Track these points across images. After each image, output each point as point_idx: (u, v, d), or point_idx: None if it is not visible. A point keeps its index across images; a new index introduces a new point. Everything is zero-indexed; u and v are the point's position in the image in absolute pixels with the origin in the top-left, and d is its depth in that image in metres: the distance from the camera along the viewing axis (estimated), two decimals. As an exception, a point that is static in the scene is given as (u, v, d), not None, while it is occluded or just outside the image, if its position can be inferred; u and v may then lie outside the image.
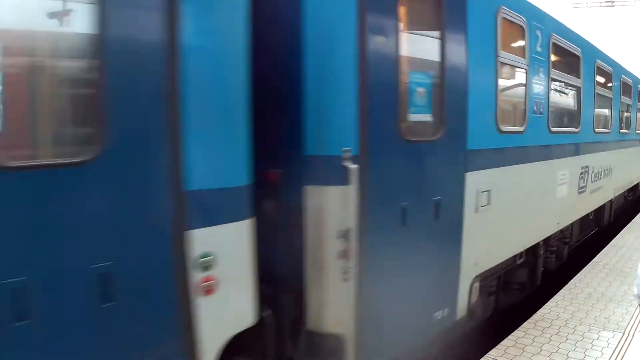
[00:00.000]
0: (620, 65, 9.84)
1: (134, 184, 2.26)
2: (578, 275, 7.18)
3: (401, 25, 3.62)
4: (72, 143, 2.24)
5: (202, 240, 2.51)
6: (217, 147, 2.58)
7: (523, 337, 5.14)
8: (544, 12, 5.93)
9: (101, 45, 2.10)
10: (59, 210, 2.06)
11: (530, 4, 5.57)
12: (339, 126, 3.24)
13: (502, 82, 5.00)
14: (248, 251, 2.80)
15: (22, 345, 1.97)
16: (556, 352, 4.82)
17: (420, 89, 3.87)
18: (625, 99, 10.46)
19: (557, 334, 5.24)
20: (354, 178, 3.20)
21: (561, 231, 7.42)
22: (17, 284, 1.93)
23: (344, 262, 3.32)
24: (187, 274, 2.48)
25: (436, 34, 3.96)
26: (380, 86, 3.43)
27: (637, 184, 13.56)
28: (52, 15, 2.14)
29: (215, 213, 2.59)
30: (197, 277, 2.52)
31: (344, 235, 3.28)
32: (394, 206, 3.65)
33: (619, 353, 4.90)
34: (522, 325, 5.37)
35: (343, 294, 3.37)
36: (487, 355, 4.67)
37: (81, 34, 2.17)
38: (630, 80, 10.89)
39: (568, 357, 4.76)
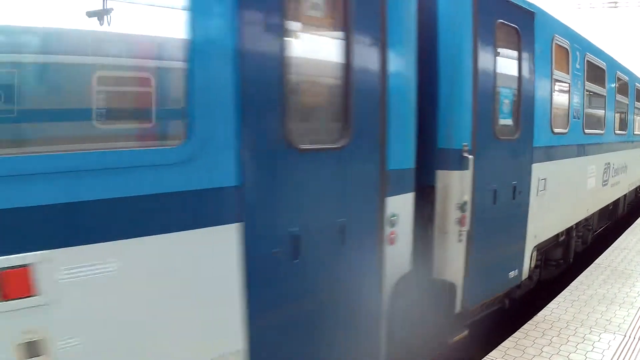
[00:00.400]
0: (634, 74, 11.20)
1: (363, 166, 3.53)
2: (580, 277, 7.25)
3: (496, 50, 4.92)
4: (336, 135, 3.45)
5: (392, 205, 3.78)
6: (401, 140, 3.86)
7: (524, 338, 5.12)
8: (581, 36, 7.27)
9: (348, 72, 3.36)
10: (323, 181, 3.31)
11: (572, 30, 6.90)
12: (460, 128, 4.52)
13: (555, 94, 6.32)
14: (412, 215, 4.08)
15: (296, 276, 3.17)
16: (557, 354, 4.81)
17: (506, 100, 5.17)
18: (638, 104, 11.84)
19: (557, 336, 5.23)
20: (470, 165, 4.49)
21: (586, 219, 8.72)
22: (294, 233, 3.12)
23: (459, 228, 4.60)
24: (383, 228, 3.74)
25: (515, 55, 5.28)
26: (484, 99, 4.73)
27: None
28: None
29: (399, 186, 3.86)
30: (387, 230, 3.79)
31: (461, 207, 4.56)
32: (489, 188, 4.94)
33: (620, 355, 4.90)
34: (522, 327, 5.37)
35: (457, 253, 4.65)
36: (488, 356, 4.67)
37: (337, 64, 3.39)
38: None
39: (569, 359, 4.76)
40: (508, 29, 5.05)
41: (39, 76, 2.42)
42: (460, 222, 4.58)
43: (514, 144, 5.34)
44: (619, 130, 10.18)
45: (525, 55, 5.36)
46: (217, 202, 2.37)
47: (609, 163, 9.28)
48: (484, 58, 4.68)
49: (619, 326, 5.55)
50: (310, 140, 3.11)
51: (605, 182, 9.21)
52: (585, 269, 7.70)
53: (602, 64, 8.45)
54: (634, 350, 5.02)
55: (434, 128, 4.44)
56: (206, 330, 2.43)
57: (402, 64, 3.78)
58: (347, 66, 3.23)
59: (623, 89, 10.28)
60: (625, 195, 11.78)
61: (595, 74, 8.25)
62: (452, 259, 4.63)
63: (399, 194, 3.85)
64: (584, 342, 5.14)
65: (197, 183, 2.28)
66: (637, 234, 10.33)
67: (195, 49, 2.33)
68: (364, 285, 3.54)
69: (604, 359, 4.78)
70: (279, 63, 2.72)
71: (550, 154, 6.25)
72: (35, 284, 1.87)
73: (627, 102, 10.69)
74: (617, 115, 9.97)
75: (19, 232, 1.89)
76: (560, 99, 6.66)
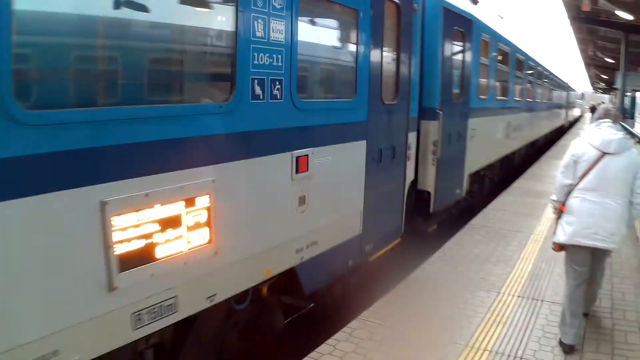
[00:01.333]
0: (529, 55, 14.94)
1: (401, 114, 6.12)
2: (454, 237, 7.58)
3: (452, 46, 7.96)
4: (393, 97, 6.19)
5: (409, 137, 6.62)
6: (413, 101, 6.71)
7: (397, 298, 5.26)
8: (495, 31, 10.58)
9: (398, 68, 6.17)
10: (389, 120, 6.06)
11: (491, 28, 10.16)
12: (434, 95, 7.51)
13: (480, 72, 9.57)
14: (415, 145, 7.00)
15: (379, 170, 5.72)
16: (430, 311, 4.95)
17: (456, 77, 8.27)
18: (530, 77, 15.68)
19: (431, 295, 5.38)
20: (440, 118, 7.51)
21: (491, 166, 12.21)
22: (379, 147, 5.83)
23: (433, 156, 7.64)
24: (406, 150, 6.58)
25: (461, 48, 8.36)
26: (446, 77, 7.75)
27: (536, 140, 19.17)
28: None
29: (412, 126, 6.70)
30: (408, 152, 6.66)
31: (434, 143, 7.59)
32: (448, 133, 8.01)
33: (494, 311, 5.05)
34: (396, 287, 5.51)
35: (432, 172, 7.69)
36: (359, 317, 4.77)
37: (391, 63, 6.18)
38: (534, 64, 16.14)
39: (442, 316, 4.87)
40: (458, 32, 8.11)
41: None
42: (434, 152, 7.61)
43: (460, 105, 8.49)
44: (518, 97, 13.87)
45: (467, 47, 8.48)
46: (358, 128, 5.10)
47: (510, 122, 12.88)
48: (446, 51, 7.71)
49: (493, 284, 5.77)
50: (385, 98, 5.74)
51: (508, 136, 12.82)
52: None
53: (507, 49, 11.90)
54: (507, 306, 5.20)
55: (421, 95, 7.40)
56: (349, 194, 5.14)
57: (415, 62, 6.65)
58: (397, 64, 5.98)
59: (521, 66, 13.94)
60: (520, 149, 15.66)
61: (503, 56, 11.67)
62: (428, 176, 7.67)
63: (412, 132, 6.75)
64: (457, 299, 5.28)
65: (356, 118, 5.00)
66: (513, 195, 11.19)
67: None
68: (399, 181, 6.39)
69: (478, 315, 4.92)
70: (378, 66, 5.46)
71: (477, 113, 9.50)
72: (308, 165, 4.46)
73: (523, 77, 14.44)
74: (517, 86, 13.64)
75: (305, 139, 4.35)
76: (483, 75, 9.93)
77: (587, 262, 4.53)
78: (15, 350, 2.25)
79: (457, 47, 8.15)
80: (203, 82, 3.36)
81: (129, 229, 2.65)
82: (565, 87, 31.78)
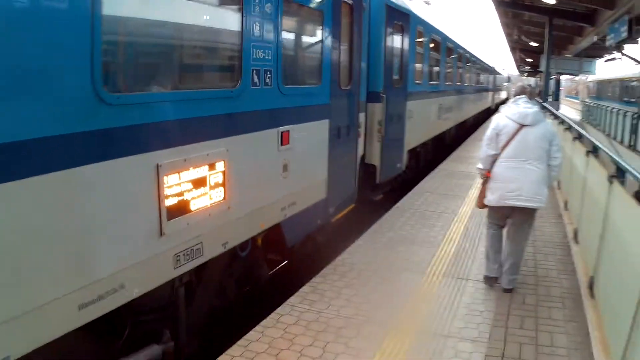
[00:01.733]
0: (457, 43, 16.39)
1: (354, 97, 7.25)
2: (380, 220, 7.71)
3: (393, 37, 9.04)
4: (348, 82, 7.19)
5: (360, 117, 7.66)
6: (362, 86, 7.77)
7: (322, 282, 5.24)
8: (429, 23, 11.80)
9: (351, 59, 7.17)
10: (346, 102, 7.09)
11: (425, 20, 11.36)
12: (378, 81, 8.58)
13: (416, 60, 10.76)
14: (364, 124, 8.03)
15: (339, 144, 6.87)
16: (355, 294, 4.99)
17: (397, 65, 9.39)
18: (459, 63, 17.18)
19: (356, 278, 5.41)
20: (383, 101, 8.60)
21: (425, 144, 13.54)
22: (339, 125, 6.88)
23: (379, 134, 8.73)
24: (357, 129, 7.65)
25: (401, 39, 9.47)
26: (388, 64, 8.85)
27: (465, 120, 20.86)
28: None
29: (361, 108, 7.77)
30: (359, 130, 7.72)
31: (379, 122, 8.68)
32: (390, 114, 9.13)
33: (419, 292, 5.13)
34: (321, 271, 5.55)
35: (377, 148, 8.79)
36: (286, 302, 4.78)
37: (347, 56, 7.17)
38: (462, 51, 17.65)
39: (367, 298, 4.91)
40: (398, 25, 9.22)
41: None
42: (379, 131, 8.71)
43: (400, 89, 9.64)
44: (448, 82, 15.29)
45: (405, 38, 9.62)
46: (323, 109, 6.05)
47: (441, 104, 14.26)
48: (388, 43, 8.80)
49: (418, 264, 5.85)
50: (342, 84, 6.66)
51: (440, 117, 14.20)
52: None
53: (439, 38, 13.20)
54: (432, 286, 5.28)
55: (368, 81, 8.45)
56: (317, 165, 6.09)
57: (364, 53, 7.64)
58: (351, 55, 6.94)
59: (450, 53, 15.35)
60: (450, 130, 17.18)
61: (435, 45, 12.96)
62: (375, 151, 8.76)
63: (361, 112, 7.79)
64: (383, 281, 5.34)
65: (322, 101, 5.95)
66: (439, 177, 11.47)
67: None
68: (353, 154, 7.40)
69: (404, 296, 5.01)
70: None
71: (414, 96, 10.71)
72: (290, 139, 5.32)
73: (453, 63, 15.88)
74: (447, 72, 15.05)
75: (287, 117, 5.23)
76: (418, 62, 11.15)
77: (504, 216, 5.24)
78: (94, 285, 2.99)
79: (397, 38, 9.27)
80: (221, 72, 4.20)
81: (173, 187, 3.49)
82: (491, 70, 34.09)
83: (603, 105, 28.16)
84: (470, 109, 22.38)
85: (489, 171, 5.13)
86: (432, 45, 12.42)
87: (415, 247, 6.50)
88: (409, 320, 4.55)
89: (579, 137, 8.32)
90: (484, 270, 5.49)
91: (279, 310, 4.61)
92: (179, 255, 3.65)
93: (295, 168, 5.22)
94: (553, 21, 20.67)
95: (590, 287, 4.91)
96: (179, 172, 3.53)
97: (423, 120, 12.01)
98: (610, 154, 5.48)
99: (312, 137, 5.67)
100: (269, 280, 5.64)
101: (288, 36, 4.92)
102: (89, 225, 2.91)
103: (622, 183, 4.46)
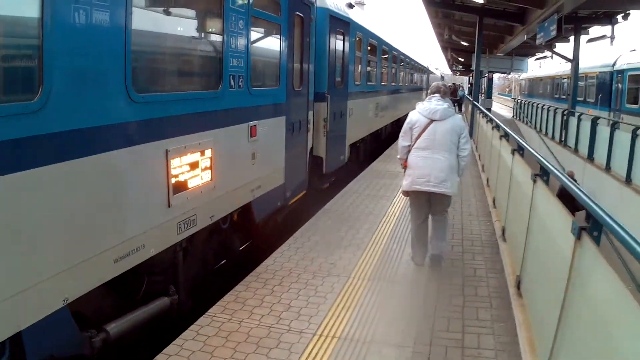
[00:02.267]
0: (392, 45, 17.88)
1: (304, 97, 8.47)
2: (306, 224, 7.54)
3: (336, 44, 10.24)
4: (300, 84, 8.32)
5: (309, 114, 8.81)
6: (311, 86, 8.90)
7: (244, 290, 5.12)
8: (366, 28, 13.12)
9: (302, 62, 8.30)
10: (299, 101, 8.22)
11: (364, 27, 12.65)
12: (323, 82, 9.76)
13: (356, 64, 12.03)
14: (312, 121, 9.19)
15: (292, 137, 7.98)
16: (278, 302, 4.88)
17: (339, 67, 10.61)
18: (393, 65, 18.69)
19: (279, 285, 5.29)
20: (328, 100, 9.79)
21: (364, 139, 14.87)
22: (293, 121, 8.00)
23: (324, 129, 9.91)
24: (307, 124, 8.78)
25: (342, 45, 10.69)
26: (332, 68, 10.05)
27: (400, 118, 22.47)
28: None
29: (310, 106, 8.92)
30: (308, 126, 8.85)
31: (325, 120, 9.86)
32: (333, 112, 10.33)
33: (344, 296, 5.05)
34: (244, 279, 5.44)
35: (323, 142, 9.97)
36: (206, 313, 4.68)
37: (299, 61, 8.29)
38: (397, 53, 19.18)
39: (290, 306, 4.80)
40: (340, 32, 10.44)
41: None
42: (324, 127, 9.89)
43: (342, 90, 10.87)
44: (384, 82, 16.73)
45: (345, 44, 10.86)
46: (281, 107, 7.12)
47: (378, 103, 15.66)
48: (332, 48, 10.00)
49: (344, 268, 5.78)
50: (295, 86, 7.82)
51: (376, 115, 15.60)
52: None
53: (375, 42, 14.57)
54: (358, 290, 5.21)
55: (315, 82, 9.59)
56: (277, 155, 7.18)
57: (312, 58, 8.78)
58: (301, 60, 8.06)
59: (386, 55, 16.80)
60: (386, 126, 18.66)
61: (372, 48, 14.32)
62: (321, 145, 9.93)
63: (310, 110, 8.93)
64: (307, 287, 5.23)
65: (280, 100, 7.02)
66: (367, 178, 11.54)
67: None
68: (304, 147, 8.53)
69: (327, 302, 4.91)
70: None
71: (354, 96, 11.99)
72: (257, 132, 6.35)
73: (388, 64, 17.35)
74: (383, 73, 16.48)
75: (255, 114, 6.25)
76: (357, 65, 12.43)
77: (423, 205, 5.81)
78: (124, 243, 3.91)
79: (339, 44, 10.50)
80: (209, 77, 5.21)
81: (177, 168, 4.49)
82: (425, 70, 36.21)
83: (535, 103, 28.98)
84: (405, 107, 24.05)
85: (406, 160, 5.75)
86: (369, 49, 13.79)
87: (341, 250, 6.41)
88: (332, 326, 4.48)
89: (506, 135, 8.47)
90: (411, 255, 6.08)
91: (198, 321, 4.51)
92: (181, 224, 4.66)
93: (261, 157, 6.30)
94: (484, 20, 20.68)
95: (518, 286, 4.90)
96: (180, 157, 4.53)
97: (362, 118, 13.34)
98: (535, 153, 5.49)
99: (272, 131, 6.76)
100: (238, 256, 6.68)
101: (254, 46, 5.98)
102: (121, 196, 3.89)
103: (546, 182, 4.49)
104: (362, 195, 9.77)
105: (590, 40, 22.87)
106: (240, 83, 5.56)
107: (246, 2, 5.57)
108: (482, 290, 5.34)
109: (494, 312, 4.84)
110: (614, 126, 13.47)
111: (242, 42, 5.54)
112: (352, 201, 9.21)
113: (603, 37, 21.66)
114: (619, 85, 20.05)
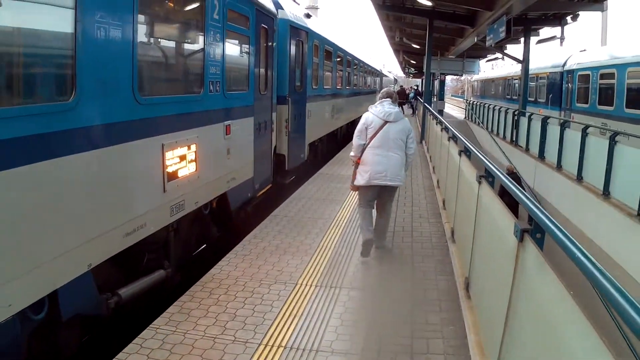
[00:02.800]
0: (346, 51, 19.05)
1: (269, 100, 9.43)
2: (254, 230, 7.45)
3: (297, 52, 11.25)
4: (265, 89, 9.27)
5: (272, 115, 9.78)
6: (275, 91, 9.87)
7: (189, 301, 5.06)
8: (323, 36, 14.20)
9: (267, 68, 9.27)
10: (264, 104, 9.17)
11: (320, 35, 13.71)
12: (285, 86, 10.74)
13: (312, 69, 13.08)
14: (276, 122, 10.17)
15: (260, 136, 8.92)
16: (223, 312, 4.81)
17: (299, 72, 11.62)
18: (348, 69, 19.87)
19: (225, 294, 5.22)
20: (289, 103, 10.79)
21: (321, 139, 15.93)
22: (260, 121, 8.96)
23: (286, 129, 10.89)
24: (271, 124, 9.74)
25: (302, 52, 11.70)
26: (293, 73, 11.06)
27: (355, 120, 23.69)
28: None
29: (274, 108, 9.88)
30: (273, 125, 9.81)
31: (287, 120, 10.85)
32: (294, 114, 11.33)
33: (290, 304, 5.00)
34: (189, 289, 5.36)
35: (285, 141, 10.95)
36: (150, 325, 4.55)
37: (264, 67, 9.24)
38: (351, 58, 20.38)
39: (236, 315, 4.74)
40: (299, 41, 11.46)
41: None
42: (286, 127, 10.87)
43: (301, 93, 11.90)
44: (339, 86, 17.85)
45: (304, 51, 11.89)
46: (249, 109, 8.05)
47: (334, 105, 16.78)
48: (292, 55, 11.01)
49: (290, 275, 5.71)
50: (261, 90, 8.77)
51: (333, 117, 16.71)
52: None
53: (330, 49, 15.68)
54: (305, 297, 5.16)
55: (277, 86, 10.55)
56: (247, 151, 8.07)
57: (275, 64, 9.74)
58: (266, 67, 9.03)
59: (341, 60, 17.95)
60: (341, 128, 19.80)
61: (328, 54, 15.41)
62: (283, 144, 10.90)
63: (274, 112, 9.89)
64: (253, 296, 5.16)
65: (249, 103, 7.96)
66: (317, 182, 11.46)
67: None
68: (269, 145, 9.49)
69: (274, 310, 4.85)
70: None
71: (312, 99, 13.04)
72: (231, 131, 7.24)
73: (343, 69, 18.51)
74: (338, 77, 17.62)
75: (229, 115, 7.25)
76: (315, 70, 13.48)
77: (372, 195, 6.41)
78: (132, 221, 4.74)
79: (298, 51, 11.52)
80: (194, 82, 6.10)
81: (170, 159, 5.36)
82: (378, 73, 37.71)
83: (486, 103, 29.19)
84: (359, 110, 25.29)
85: (360, 158, 6.30)
86: (326, 55, 14.88)
87: (288, 256, 6.37)
88: (278, 335, 4.44)
89: (454, 137, 8.44)
90: (362, 237, 6.50)
91: (142, 334, 4.41)
92: (173, 207, 5.54)
93: (234, 152, 7.24)
94: (434, 23, 20.67)
95: (467, 288, 4.91)
96: (172, 150, 5.42)
97: (319, 119, 14.41)
98: (480, 155, 5.54)
99: (243, 130, 7.70)
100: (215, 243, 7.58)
101: (228, 55, 6.91)
102: (130, 180, 4.76)
103: (491, 183, 4.51)
104: (311, 199, 9.61)
105: (540, 42, 23.12)
106: (217, 87, 6.49)
107: (222, 17, 6.51)
108: (431, 294, 5.33)
109: (444, 315, 4.81)
110: (564, 125, 13.66)
111: (218, 52, 6.47)
112: (302, 206, 9.09)
113: (553, 38, 21.88)
114: (569, 85, 20.29)
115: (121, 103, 4.51)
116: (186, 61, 6.08)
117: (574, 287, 2.11)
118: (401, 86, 37.99)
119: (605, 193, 9.94)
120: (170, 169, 5.37)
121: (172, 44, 5.78)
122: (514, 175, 15.52)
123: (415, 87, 50.07)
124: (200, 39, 6.05)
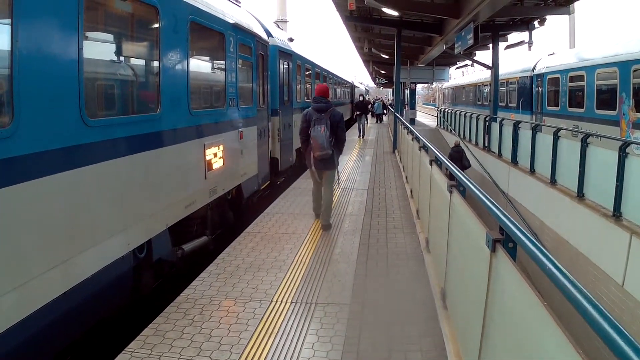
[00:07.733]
0: (323, 67, 21.62)
1: (265, 111, 11.78)
2: (227, 248, 7.50)
3: (282, 71, 13.70)
4: (263, 103, 11.65)
5: (269, 124, 12.15)
6: (268, 103, 12.26)
7: (164, 323, 4.99)
8: (304, 57, 16.71)
9: (264, 86, 11.68)
10: (261, 115, 11.53)
11: (303, 56, 16.22)
12: (276, 100, 13.14)
13: (297, 86, 15.57)
14: (272, 129, 12.54)
15: (262, 143, 11.27)
16: (199, 333, 4.77)
17: (287, 88, 14.06)
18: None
19: (200, 314, 5.18)
20: (280, 115, 13.20)
21: None
22: (262, 128, 11.28)
23: (277, 136, 13.26)
24: (269, 131, 12.09)
25: (287, 72, 14.16)
26: (282, 88, 13.48)
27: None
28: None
29: (270, 118, 12.27)
30: (269, 133, 12.19)
31: (279, 129, 13.23)
32: (284, 124, 13.72)
33: (266, 322, 4.98)
34: (164, 311, 5.28)
35: (278, 146, 13.32)
36: (126, 349, 4.49)
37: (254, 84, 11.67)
38: (327, 73, 22.97)
39: (211, 336, 4.71)
40: (286, 62, 13.93)
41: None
42: (278, 135, 13.26)
43: (289, 106, 14.34)
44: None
45: (290, 70, 14.35)
46: (253, 119, 10.38)
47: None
48: (280, 74, 13.44)
49: (265, 292, 5.70)
50: (260, 104, 11.08)
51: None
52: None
53: (310, 67, 18.23)
54: (281, 314, 5.16)
55: (270, 100, 12.91)
56: (253, 153, 10.39)
57: (268, 83, 12.14)
58: (264, 86, 11.43)
59: (318, 76, 20.52)
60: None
61: (308, 71, 17.93)
62: (276, 149, 13.25)
63: (269, 121, 12.26)
64: (228, 315, 5.14)
65: (253, 114, 10.33)
66: (290, 196, 11.39)
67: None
68: (267, 148, 11.81)
69: (249, 329, 4.83)
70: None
71: (297, 110, 15.41)
72: (243, 136, 9.64)
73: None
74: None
75: (241, 123, 9.65)
76: (298, 86, 15.97)
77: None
78: (188, 196, 6.97)
79: (285, 71, 13.97)
80: (220, 99, 8.45)
81: (209, 155, 7.67)
82: (350, 85, 40.40)
83: (457, 110, 29.55)
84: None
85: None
86: (307, 72, 17.40)
87: (263, 273, 6.38)
88: (254, 355, 4.42)
89: (424, 147, 8.52)
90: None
91: (117, 358, 4.39)
92: (210, 190, 7.86)
93: (245, 153, 9.61)
94: (402, 32, 20.84)
95: (444, 298, 4.93)
96: (209, 149, 7.73)
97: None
98: (450, 165, 5.50)
99: (250, 135, 10.08)
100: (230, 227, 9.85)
101: (240, 77, 9.31)
102: (187, 169, 7.05)
103: (462, 193, 4.53)
104: (284, 214, 9.60)
105: (508, 47, 23.66)
106: (233, 102, 8.88)
107: (235, 49, 8.94)
108: (408, 306, 5.34)
109: (421, 326, 4.83)
110: (535, 129, 13.70)
111: (233, 75, 8.88)
112: (275, 221, 9.07)
113: (521, 43, 22.43)
114: (540, 88, 20.62)
115: (182, 115, 6.85)
116: (214, 84, 8.47)
117: (554, 290, 2.09)
118: (361, 96, 39.73)
119: (580, 195, 10.06)
120: (208, 162, 7.69)
121: (207, 71, 8.21)
122: (458, 147, 17.73)
123: (379, 99, 52.11)
124: (223, 66, 8.47)
